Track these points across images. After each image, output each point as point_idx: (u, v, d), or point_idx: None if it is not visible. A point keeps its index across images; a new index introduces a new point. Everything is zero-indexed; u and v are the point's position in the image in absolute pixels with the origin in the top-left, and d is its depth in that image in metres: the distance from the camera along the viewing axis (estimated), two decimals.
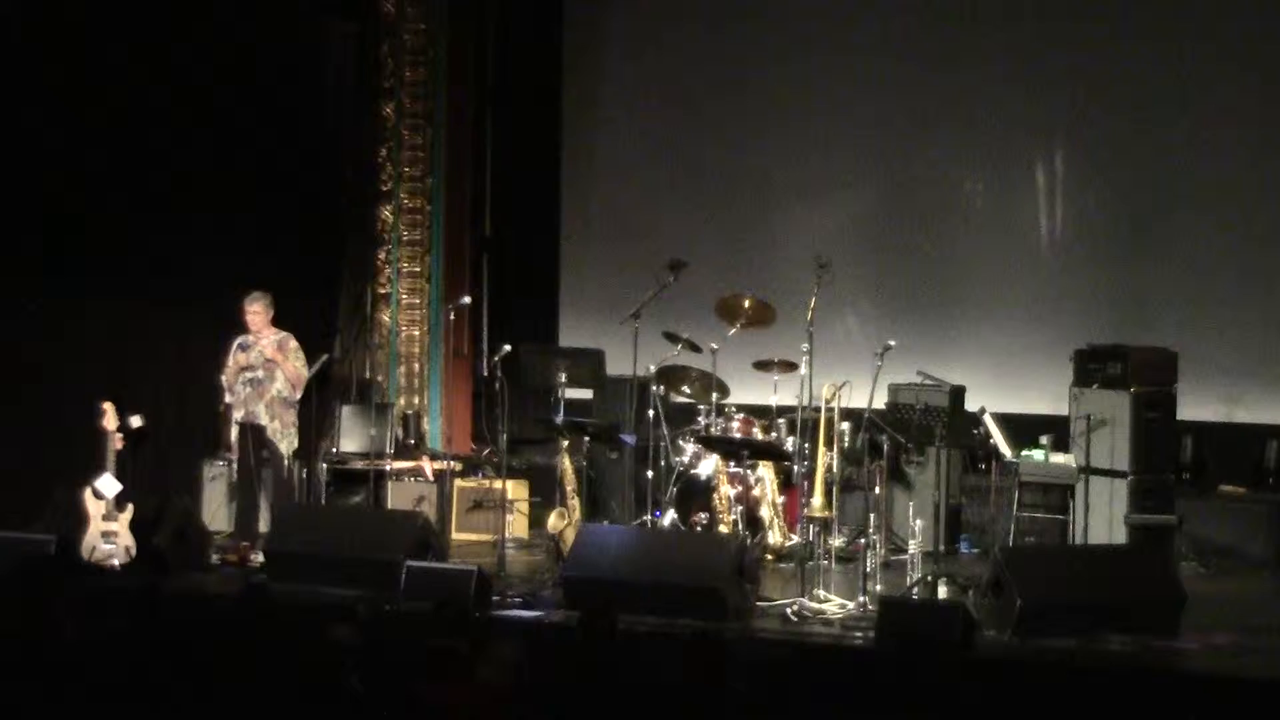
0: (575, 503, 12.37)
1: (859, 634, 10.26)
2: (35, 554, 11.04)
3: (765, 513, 12.49)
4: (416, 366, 15.50)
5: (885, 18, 15.00)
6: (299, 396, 12.64)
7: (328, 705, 6.91)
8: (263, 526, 12.61)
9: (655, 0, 16.03)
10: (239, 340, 12.57)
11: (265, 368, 12.47)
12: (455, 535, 13.38)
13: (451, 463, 13.66)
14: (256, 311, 12.49)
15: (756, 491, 12.48)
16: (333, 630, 7.70)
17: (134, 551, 11.84)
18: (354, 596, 10.77)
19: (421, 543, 11.52)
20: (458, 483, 13.82)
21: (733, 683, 7.11)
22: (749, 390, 13.17)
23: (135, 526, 11.87)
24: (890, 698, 9.05)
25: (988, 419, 12.07)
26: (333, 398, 14.34)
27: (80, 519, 11.83)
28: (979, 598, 10.48)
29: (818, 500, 11.64)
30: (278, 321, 12.61)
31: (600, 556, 11.03)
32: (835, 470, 11.91)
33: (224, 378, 12.60)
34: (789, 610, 10.76)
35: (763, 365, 12.71)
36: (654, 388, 12.81)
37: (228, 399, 12.66)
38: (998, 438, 12.06)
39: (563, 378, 12.93)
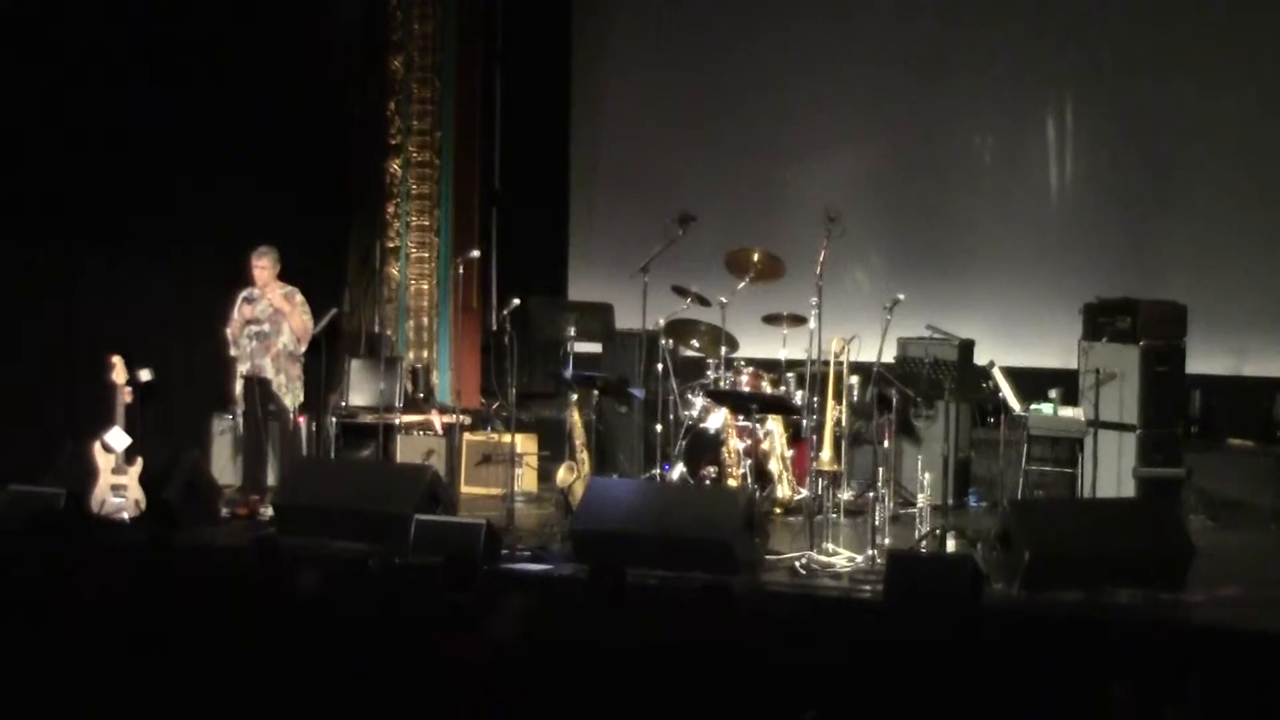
0: (584, 456, 12.38)
1: (867, 587, 10.29)
2: (45, 508, 11.08)
3: (774, 466, 12.51)
4: (425, 320, 15.50)
5: None
6: (304, 350, 12.65)
7: (336, 657, 6.94)
8: (270, 480, 12.65)
9: None
10: (244, 293, 12.58)
11: (271, 321, 12.49)
12: (464, 489, 13.41)
13: (460, 416, 13.69)
14: (264, 266, 12.51)
15: (765, 445, 12.50)
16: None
17: (143, 505, 11.87)
18: (363, 550, 10.83)
19: (430, 496, 11.53)
20: (466, 436, 13.84)
21: (743, 634, 7.13)
22: (758, 344, 13.16)
23: (144, 480, 11.90)
24: (898, 651, 9.06)
25: (996, 373, 12.07)
26: (342, 352, 14.34)
27: (89, 473, 11.85)
28: (987, 551, 10.49)
29: (826, 454, 11.67)
30: (287, 275, 12.62)
31: (609, 510, 11.04)
32: (844, 424, 11.92)
33: (229, 331, 12.62)
34: (797, 564, 10.79)
35: (772, 319, 12.70)
36: (663, 342, 12.80)
37: (232, 352, 12.68)
38: (1006, 391, 12.06)
39: (572, 331, 12.90)
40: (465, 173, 15.62)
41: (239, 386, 12.69)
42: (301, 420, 12.98)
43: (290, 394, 12.58)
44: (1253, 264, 13.83)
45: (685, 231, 12.76)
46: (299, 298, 12.59)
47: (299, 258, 13.06)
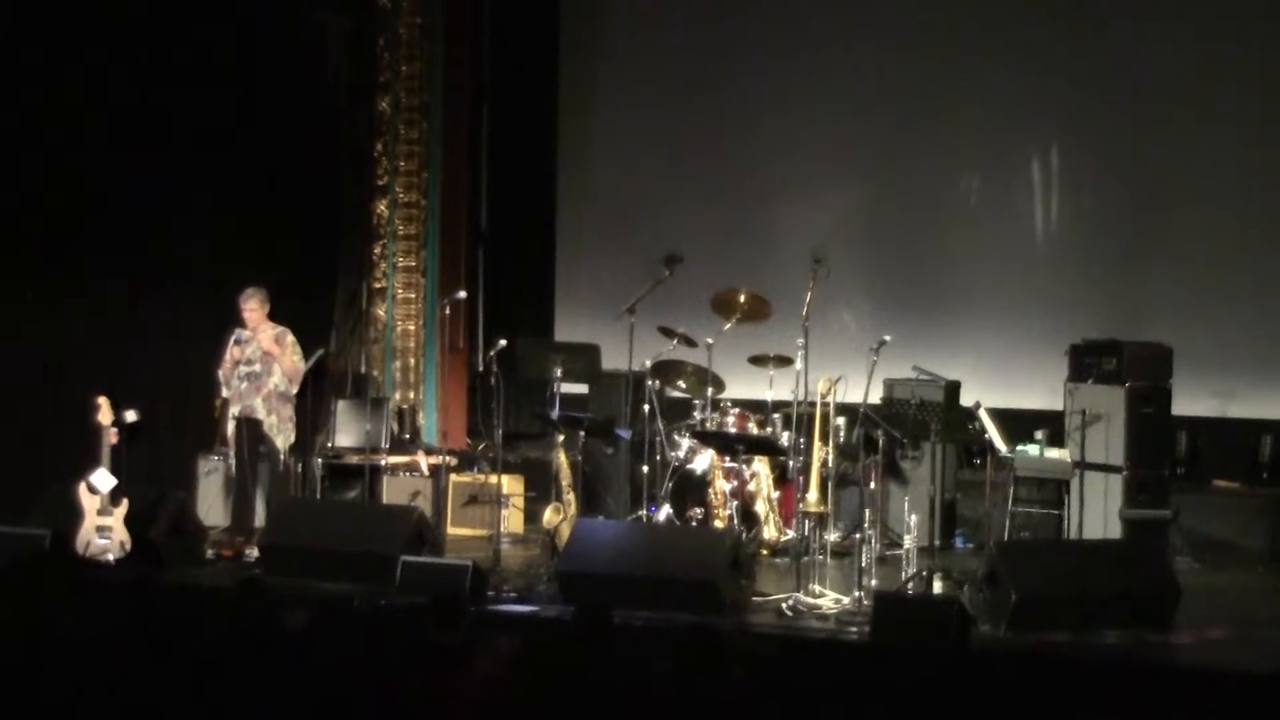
0: (571, 497, 12.37)
1: (854, 629, 10.27)
2: (30, 549, 11.05)
3: (760, 507, 12.50)
4: (412, 361, 15.48)
5: (881, 13, 15.01)
6: (296, 390, 12.64)
7: (321, 698, 6.92)
8: (258, 521, 12.62)
9: None
10: (235, 334, 12.57)
11: (263, 361, 12.47)
12: (450, 530, 13.39)
13: (447, 457, 13.67)
14: (253, 308, 12.50)
15: (752, 486, 12.49)
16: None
17: (129, 546, 11.83)
18: (349, 591, 10.80)
19: (417, 537, 11.52)
20: (453, 477, 13.83)
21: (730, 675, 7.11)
22: (744, 385, 13.17)
23: (130, 521, 11.86)
24: (885, 693, 9.05)
25: (983, 414, 12.07)
26: (328, 392, 14.32)
27: (75, 514, 11.82)
28: (974, 592, 10.49)
29: (813, 495, 11.66)
30: (274, 316, 12.61)
31: (596, 551, 11.04)
32: (830, 465, 11.92)
33: (220, 372, 12.61)
34: (784, 605, 10.77)
35: (758, 360, 12.72)
36: (649, 382, 12.81)
37: (224, 393, 12.66)
38: (993, 432, 12.06)
39: (558, 372, 12.92)
40: (452, 213, 15.63)
41: (230, 428, 12.66)
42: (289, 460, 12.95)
43: (282, 435, 12.55)
44: (1238, 306, 13.87)
45: (672, 272, 12.80)
46: (290, 338, 12.58)
47: (286, 298, 13.06)
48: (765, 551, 12.39)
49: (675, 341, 12.72)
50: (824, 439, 11.91)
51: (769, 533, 12.48)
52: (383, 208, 15.44)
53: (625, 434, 12.92)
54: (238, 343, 12.54)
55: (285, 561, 11.42)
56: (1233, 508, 13.11)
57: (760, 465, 12.51)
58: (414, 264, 15.48)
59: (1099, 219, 14.45)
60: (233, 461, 12.85)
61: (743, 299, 12.67)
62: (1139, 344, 12.84)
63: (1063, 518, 12.46)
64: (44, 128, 12.99)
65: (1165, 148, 14.15)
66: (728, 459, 12.37)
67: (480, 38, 15.95)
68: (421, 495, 13.55)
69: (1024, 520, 12.74)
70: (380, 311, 15.47)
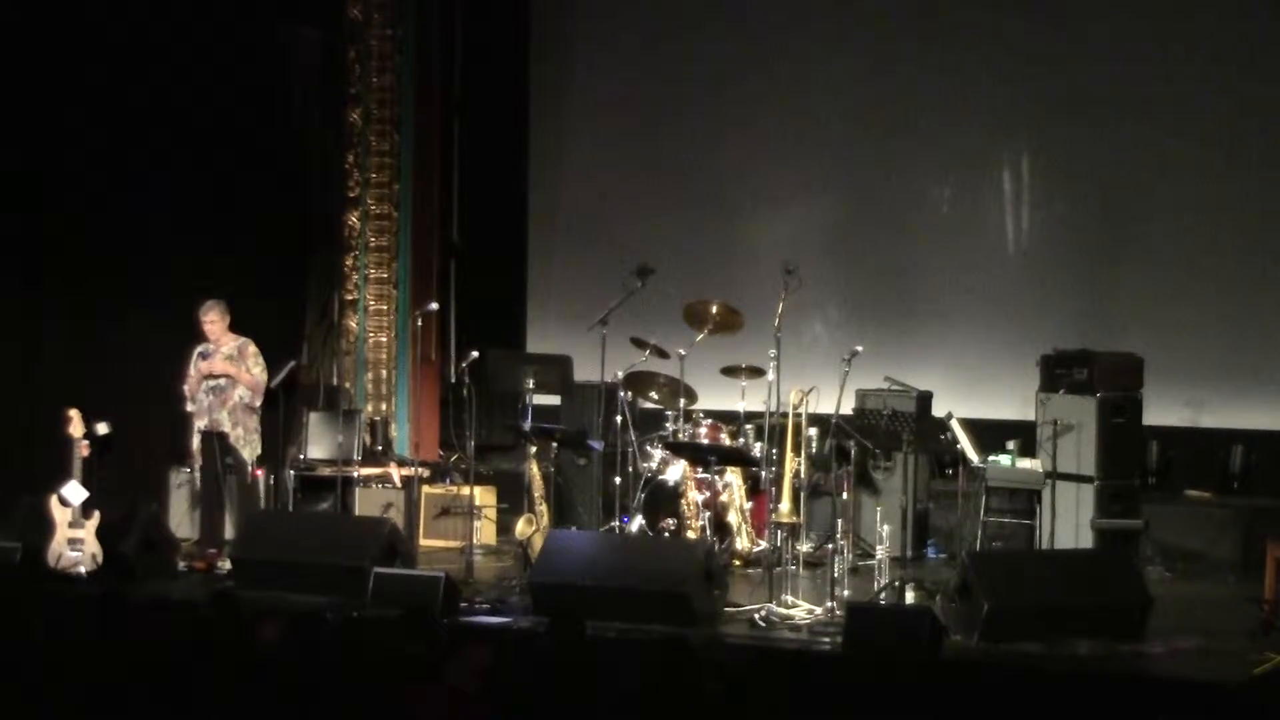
0: (543, 509, 12.36)
1: (826, 639, 10.27)
2: (1, 562, 11.02)
3: (733, 518, 12.49)
4: (384, 373, 15.46)
5: (852, 24, 15.04)
6: (260, 403, 12.62)
7: (294, 711, 6.91)
8: (228, 533, 12.59)
9: (622, 6, 16.04)
10: (199, 349, 12.56)
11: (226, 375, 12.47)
12: (423, 542, 13.35)
13: (419, 469, 13.64)
14: (213, 320, 12.50)
15: (724, 497, 12.48)
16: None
17: (100, 559, 11.80)
18: (321, 603, 10.78)
19: (389, 549, 11.51)
20: (425, 489, 13.79)
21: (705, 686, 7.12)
22: (716, 396, 13.17)
23: (102, 534, 11.83)
24: (858, 703, 9.06)
25: (955, 424, 12.09)
26: (300, 404, 14.30)
27: (46, 526, 11.79)
28: (946, 602, 10.50)
29: (785, 506, 11.67)
30: (246, 328, 12.59)
31: (568, 562, 11.03)
32: (803, 476, 11.92)
33: (185, 386, 12.60)
34: (756, 616, 10.77)
35: (730, 371, 12.71)
36: (621, 394, 12.81)
37: (189, 407, 12.64)
38: (965, 443, 12.08)
39: (530, 384, 12.92)
40: (424, 225, 15.61)
41: (196, 441, 12.64)
42: (259, 473, 12.92)
43: (248, 446, 12.55)
44: (1209, 316, 13.90)
45: (644, 284, 12.79)
46: (252, 349, 12.57)
47: (258, 310, 13.04)
48: (737, 562, 12.37)
49: (647, 353, 12.71)
50: (796, 450, 11.92)
51: (741, 544, 12.48)
52: (354, 219, 15.42)
53: (597, 445, 12.91)
54: (203, 357, 12.54)
55: (257, 574, 11.40)
56: (1204, 518, 13.13)
57: (732, 476, 12.50)
58: (386, 276, 15.47)
59: (1070, 229, 14.48)
60: (199, 475, 12.83)
61: (715, 310, 12.67)
62: (1110, 354, 12.86)
63: (1034, 528, 12.48)
64: (12, 142, 12.96)
65: (1136, 158, 14.19)
66: (700, 470, 12.36)
67: (452, 50, 15.93)
68: (394, 507, 13.52)
69: (996, 530, 12.76)
70: (352, 323, 15.45)
